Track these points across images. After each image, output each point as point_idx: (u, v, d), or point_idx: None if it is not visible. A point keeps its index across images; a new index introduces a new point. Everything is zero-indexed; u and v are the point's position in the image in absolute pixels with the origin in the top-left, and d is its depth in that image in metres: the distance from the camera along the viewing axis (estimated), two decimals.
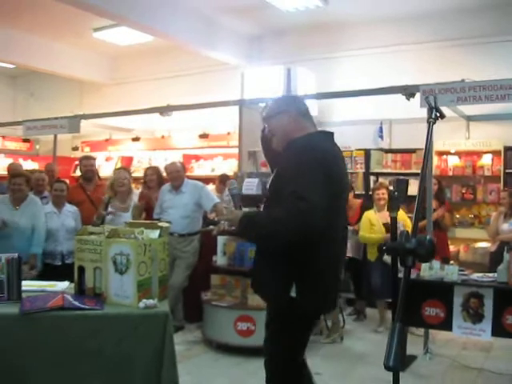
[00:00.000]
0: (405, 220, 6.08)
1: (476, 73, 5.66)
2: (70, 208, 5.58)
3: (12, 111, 12.06)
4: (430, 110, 1.59)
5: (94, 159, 6.75)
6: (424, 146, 1.64)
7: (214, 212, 5.83)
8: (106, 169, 9.67)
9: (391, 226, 2.03)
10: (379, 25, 7.99)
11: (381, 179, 7.34)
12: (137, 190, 6.79)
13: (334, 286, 2.70)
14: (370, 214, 6.09)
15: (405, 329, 4.81)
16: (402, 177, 4.41)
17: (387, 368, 1.20)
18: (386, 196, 6.14)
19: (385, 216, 5.81)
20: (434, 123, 1.57)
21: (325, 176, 2.37)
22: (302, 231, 2.29)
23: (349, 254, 6.41)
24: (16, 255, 2.70)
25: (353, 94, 6.70)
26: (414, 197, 6.85)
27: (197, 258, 5.84)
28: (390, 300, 5.07)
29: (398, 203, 2.12)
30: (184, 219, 5.71)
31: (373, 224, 5.99)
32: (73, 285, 2.87)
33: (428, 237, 1.37)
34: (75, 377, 2.49)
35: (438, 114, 1.58)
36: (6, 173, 7.43)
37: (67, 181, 6.15)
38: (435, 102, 1.57)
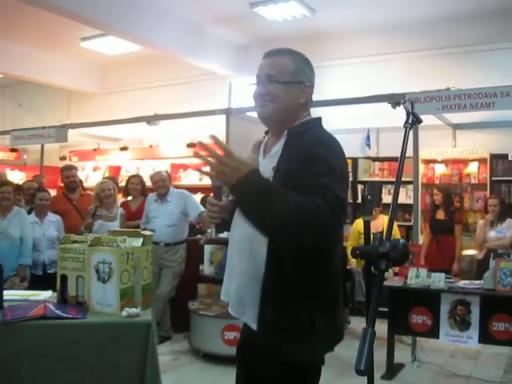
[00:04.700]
0: (394, 229, 6.07)
1: (464, 81, 5.68)
2: (52, 217, 5.53)
3: (0, 121, 11.99)
4: (407, 115, 1.60)
5: (76, 168, 6.67)
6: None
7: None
8: (93, 178, 9.63)
9: (365, 230, 2.02)
10: (366, 34, 8.03)
11: None
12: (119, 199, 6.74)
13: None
14: (359, 223, 5.93)
15: (393, 337, 4.84)
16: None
17: (358, 372, 1.20)
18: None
19: (376, 225, 5.76)
20: (411, 128, 1.58)
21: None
22: (325, 237, 1.70)
23: None
24: None
25: (340, 102, 6.71)
26: (401, 205, 6.84)
27: (183, 268, 5.81)
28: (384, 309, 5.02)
29: (371, 207, 2.11)
30: (169, 228, 5.69)
31: (362, 233, 5.94)
32: (56, 294, 2.85)
33: (401, 240, 1.37)
34: None
35: (415, 119, 1.59)
36: None
37: (54, 191, 6.11)
38: (412, 107, 1.58)
